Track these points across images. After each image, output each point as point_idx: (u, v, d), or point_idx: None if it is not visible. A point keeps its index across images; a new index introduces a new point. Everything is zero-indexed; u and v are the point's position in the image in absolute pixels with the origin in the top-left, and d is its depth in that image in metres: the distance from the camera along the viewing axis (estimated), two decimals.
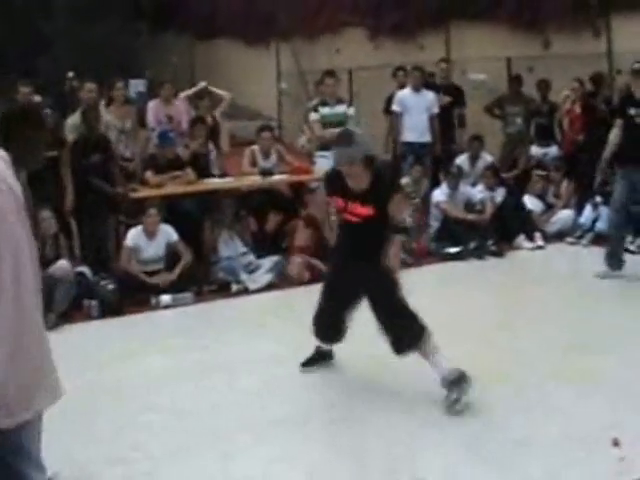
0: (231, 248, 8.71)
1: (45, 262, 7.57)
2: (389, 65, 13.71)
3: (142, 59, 22.86)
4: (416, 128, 11.20)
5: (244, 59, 21.38)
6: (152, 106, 10.54)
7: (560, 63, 12.60)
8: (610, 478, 4.26)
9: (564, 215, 10.41)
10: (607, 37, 13.15)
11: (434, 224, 10.05)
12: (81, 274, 7.92)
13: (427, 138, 11.25)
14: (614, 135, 8.31)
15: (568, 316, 7.13)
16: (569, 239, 9.98)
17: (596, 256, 8.57)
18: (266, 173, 9.64)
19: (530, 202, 10.41)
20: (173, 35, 23.90)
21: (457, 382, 5.10)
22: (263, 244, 9.25)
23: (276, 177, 9.75)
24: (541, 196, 10.55)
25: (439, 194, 10.08)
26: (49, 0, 21.99)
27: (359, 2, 17.81)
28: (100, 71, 12.36)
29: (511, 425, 4.90)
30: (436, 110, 11.26)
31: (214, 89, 11.09)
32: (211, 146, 10.08)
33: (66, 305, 7.48)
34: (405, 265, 8.92)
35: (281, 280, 8.53)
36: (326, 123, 10.16)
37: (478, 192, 10.30)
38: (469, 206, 10.09)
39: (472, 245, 9.45)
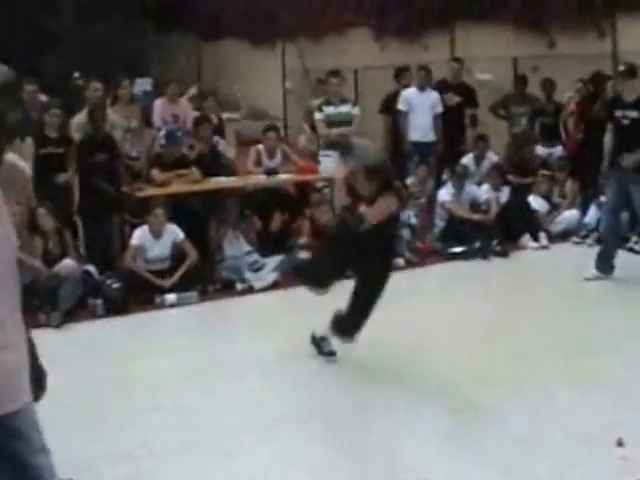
0: (236, 247, 8.72)
1: (50, 259, 7.61)
2: (394, 65, 13.70)
3: (148, 58, 22.88)
4: (421, 127, 11.23)
5: (250, 59, 21.37)
6: (158, 105, 10.56)
7: (565, 63, 12.58)
8: (613, 478, 4.26)
9: (569, 215, 10.41)
10: (612, 37, 13.14)
11: (439, 224, 10.05)
12: (87, 273, 7.95)
13: (432, 137, 11.27)
14: (607, 141, 8.31)
15: (572, 316, 7.13)
16: (574, 239, 9.98)
17: None
18: (271, 172, 9.66)
19: (535, 202, 10.40)
20: (179, 35, 23.90)
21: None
22: (268, 243, 9.26)
23: (281, 176, 9.77)
24: (546, 196, 10.55)
25: (444, 194, 10.08)
26: None
27: (364, 2, 17.80)
28: (106, 70, 12.38)
29: (514, 425, 4.91)
30: (440, 109, 11.27)
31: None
32: (217, 137, 10.10)
33: (71, 303, 7.50)
34: (410, 264, 8.97)
35: (286, 279, 8.55)
36: (331, 122, 10.19)
37: (483, 192, 10.31)
38: (474, 206, 10.09)
39: (477, 245, 9.45)
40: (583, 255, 8.95)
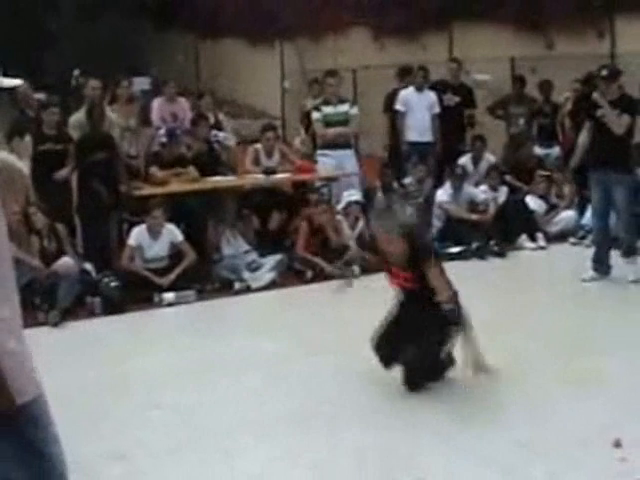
0: (234, 246, 8.73)
1: (46, 257, 7.61)
2: (393, 65, 13.72)
3: (147, 57, 22.90)
4: (419, 127, 11.24)
5: (248, 58, 21.38)
6: (156, 104, 10.58)
7: (564, 64, 12.59)
8: (612, 479, 4.26)
9: (566, 216, 10.42)
10: (611, 38, 13.15)
11: (437, 224, 10.06)
12: (84, 271, 7.95)
13: (430, 138, 11.28)
14: (583, 139, 8.29)
15: (570, 317, 7.13)
16: (571, 240, 9.98)
17: None
18: (269, 172, 9.67)
19: (533, 202, 10.41)
20: (178, 33, 23.90)
21: None
22: (266, 242, 9.27)
23: (279, 176, 9.78)
24: (544, 196, 10.57)
25: (442, 194, 10.09)
26: None
27: (362, 2, 17.81)
28: (105, 69, 12.40)
29: (512, 426, 4.90)
30: (437, 110, 11.29)
31: None
32: (215, 131, 10.10)
33: (69, 302, 7.50)
34: None
35: (283, 278, 8.56)
36: (328, 122, 10.21)
37: (481, 192, 10.32)
38: (472, 206, 10.11)
39: (474, 245, 9.46)
40: (580, 256, 8.95)
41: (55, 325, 7.18)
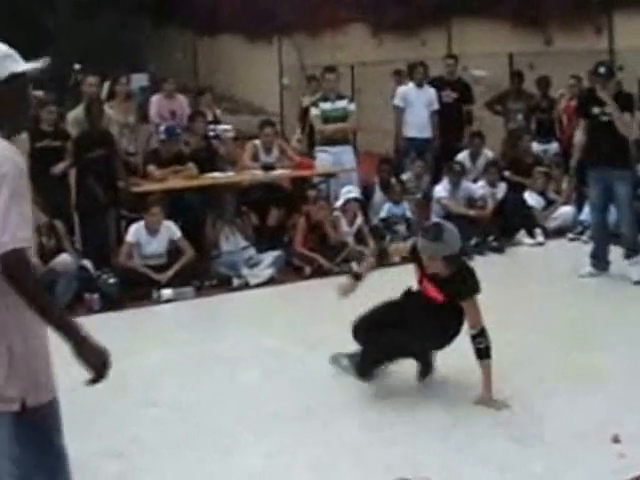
0: (232, 243, 8.73)
1: (45, 254, 7.60)
2: (391, 61, 13.73)
3: (145, 54, 22.89)
4: (418, 124, 11.24)
5: (246, 54, 21.38)
6: (155, 101, 10.57)
7: (562, 60, 12.60)
8: (610, 475, 4.26)
9: (565, 211, 10.42)
10: (609, 34, 13.16)
11: (435, 220, 10.05)
12: (83, 268, 7.94)
13: (429, 134, 11.28)
14: (579, 138, 8.26)
15: (568, 313, 7.14)
16: (570, 235, 9.99)
17: None
18: (268, 168, 9.67)
19: (531, 198, 10.42)
20: (176, 30, 23.90)
21: None
22: (264, 239, 9.26)
23: (277, 172, 9.78)
24: (542, 192, 10.57)
25: (441, 190, 10.09)
26: None
27: None
28: (103, 65, 12.39)
29: (511, 423, 4.91)
30: (436, 106, 11.29)
31: None
32: (212, 125, 10.09)
33: (67, 298, 7.49)
34: (406, 260, 8.95)
35: (282, 274, 8.56)
36: (327, 118, 10.20)
37: (479, 188, 10.32)
38: (470, 202, 10.11)
39: (473, 241, 9.46)
40: (579, 251, 8.97)
41: None
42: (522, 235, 9.92)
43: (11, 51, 2.84)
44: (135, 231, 8.18)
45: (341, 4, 18.25)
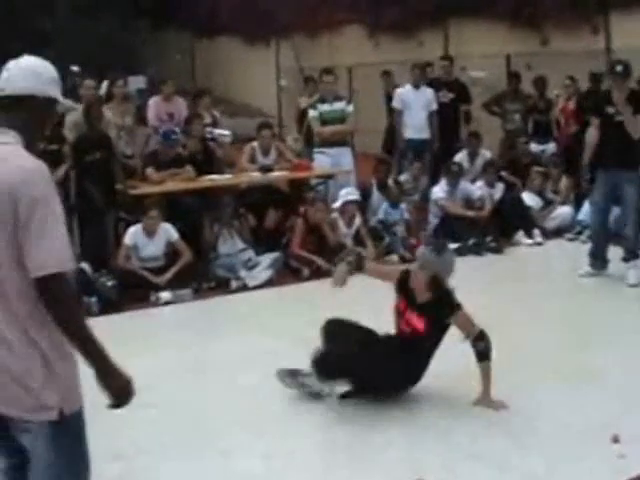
0: (230, 245, 8.73)
1: None
2: (388, 62, 13.74)
3: (143, 56, 22.88)
4: (416, 125, 11.24)
5: (244, 56, 21.40)
6: (153, 103, 10.55)
7: (558, 60, 12.61)
8: (609, 475, 4.27)
9: (563, 211, 10.44)
10: (605, 34, 13.17)
11: (433, 220, 10.07)
12: (81, 271, 7.93)
13: (427, 135, 11.28)
14: (591, 136, 8.23)
15: (566, 313, 7.15)
16: (568, 235, 10.00)
17: None
18: (265, 170, 9.67)
19: (529, 198, 10.42)
20: (173, 33, 23.91)
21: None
22: (262, 240, 9.27)
23: (275, 174, 9.78)
24: (540, 192, 10.57)
25: (438, 191, 10.10)
26: None
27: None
28: (101, 68, 12.38)
29: (510, 422, 4.91)
30: (434, 107, 11.29)
31: None
32: (210, 128, 10.08)
33: None
34: (404, 261, 8.97)
35: (280, 276, 8.57)
36: (325, 120, 10.21)
37: (477, 189, 10.33)
38: (468, 203, 10.12)
39: (471, 241, 9.47)
40: (577, 251, 8.98)
41: None
42: (520, 235, 9.93)
43: (57, 78, 3.03)
44: (133, 234, 8.18)
45: (338, 6, 18.27)
